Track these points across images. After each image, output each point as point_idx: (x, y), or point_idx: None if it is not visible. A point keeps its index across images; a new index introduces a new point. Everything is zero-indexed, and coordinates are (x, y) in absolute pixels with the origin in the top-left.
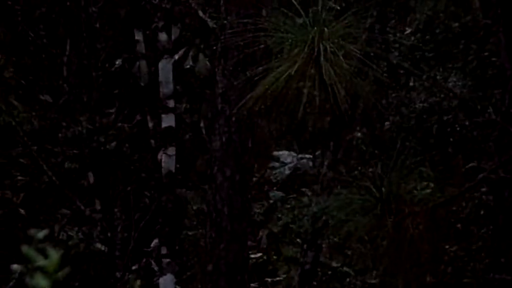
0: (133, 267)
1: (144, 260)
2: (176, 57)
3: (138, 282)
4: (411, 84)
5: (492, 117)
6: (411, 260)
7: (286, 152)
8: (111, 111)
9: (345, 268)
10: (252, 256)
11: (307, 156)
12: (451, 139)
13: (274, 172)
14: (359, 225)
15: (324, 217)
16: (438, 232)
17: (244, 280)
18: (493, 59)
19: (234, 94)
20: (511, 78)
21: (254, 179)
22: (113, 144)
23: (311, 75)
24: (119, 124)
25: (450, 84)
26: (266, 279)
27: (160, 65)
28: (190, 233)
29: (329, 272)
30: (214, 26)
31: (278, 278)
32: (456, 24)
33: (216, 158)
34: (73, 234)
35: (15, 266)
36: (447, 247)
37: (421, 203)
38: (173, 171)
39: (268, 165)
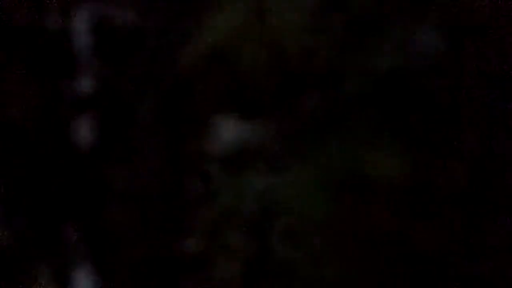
0: (43, 261)
1: (56, 251)
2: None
3: (49, 276)
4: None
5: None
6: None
7: (226, 119)
8: (14, 74)
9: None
10: (186, 245)
11: (250, 125)
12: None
13: (212, 142)
14: (313, 207)
15: (271, 198)
16: (403, 212)
17: (177, 275)
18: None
19: (166, 51)
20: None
21: (189, 151)
22: (18, 115)
23: (256, 29)
24: (26, 91)
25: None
26: (202, 273)
27: (74, 16)
28: (112, 216)
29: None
30: None
31: (216, 272)
32: None
33: (144, 127)
34: None
35: None
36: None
37: (385, 180)
38: (94, 144)
39: (205, 133)
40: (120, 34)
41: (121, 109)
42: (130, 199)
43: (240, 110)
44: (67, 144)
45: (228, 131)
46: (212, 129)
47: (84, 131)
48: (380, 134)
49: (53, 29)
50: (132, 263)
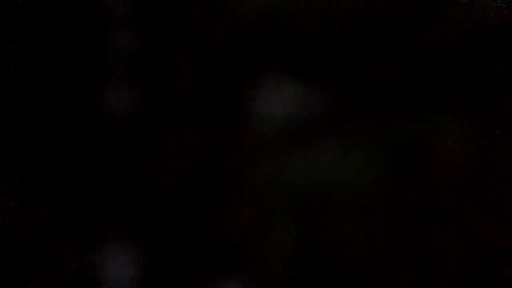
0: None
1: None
2: None
3: None
4: None
5: None
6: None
7: (276, 80)
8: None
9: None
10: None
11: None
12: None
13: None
14: (366, 184)
15: (319, 174)
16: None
17: (217, 256)
18: None
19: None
20: None
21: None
22: None
23: None
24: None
25: None
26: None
27: None
28: (151, 194)
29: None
30: None
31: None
32: None
33: (185, 94)
34: None
35: None
36: None
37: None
38: (130, 113)
39: (251, 97)
40: None
41: (160, 74)
42: (169, 174)
43: (291, 70)
44: (98, 112)
45: (277, 94)
46: (260, 92)
47: (118, 97)
48: (447, 101)
49: None
50: (173, 243)
